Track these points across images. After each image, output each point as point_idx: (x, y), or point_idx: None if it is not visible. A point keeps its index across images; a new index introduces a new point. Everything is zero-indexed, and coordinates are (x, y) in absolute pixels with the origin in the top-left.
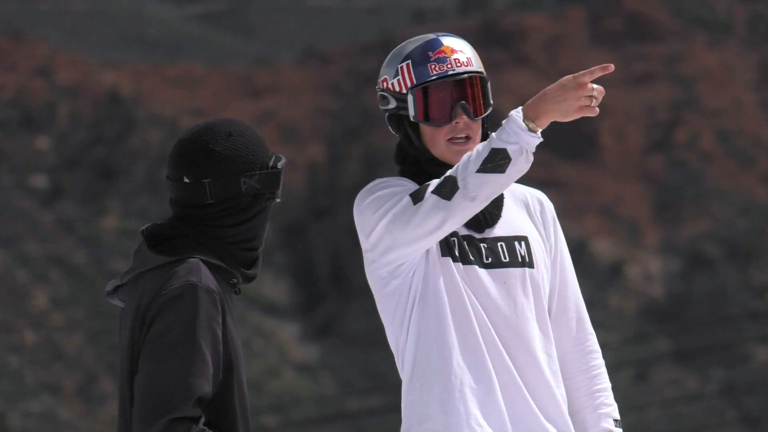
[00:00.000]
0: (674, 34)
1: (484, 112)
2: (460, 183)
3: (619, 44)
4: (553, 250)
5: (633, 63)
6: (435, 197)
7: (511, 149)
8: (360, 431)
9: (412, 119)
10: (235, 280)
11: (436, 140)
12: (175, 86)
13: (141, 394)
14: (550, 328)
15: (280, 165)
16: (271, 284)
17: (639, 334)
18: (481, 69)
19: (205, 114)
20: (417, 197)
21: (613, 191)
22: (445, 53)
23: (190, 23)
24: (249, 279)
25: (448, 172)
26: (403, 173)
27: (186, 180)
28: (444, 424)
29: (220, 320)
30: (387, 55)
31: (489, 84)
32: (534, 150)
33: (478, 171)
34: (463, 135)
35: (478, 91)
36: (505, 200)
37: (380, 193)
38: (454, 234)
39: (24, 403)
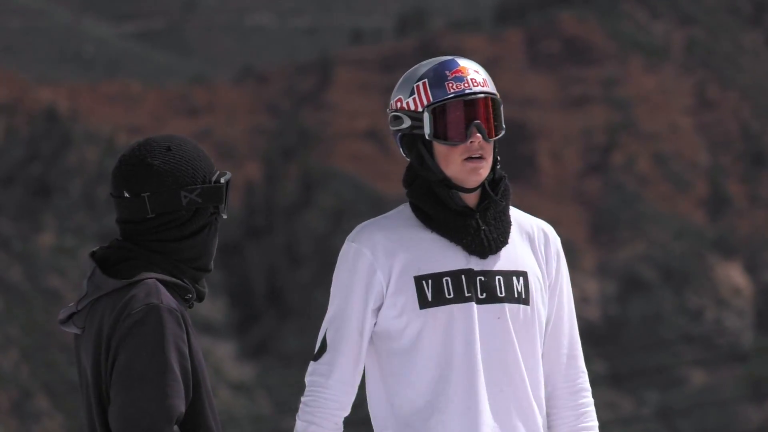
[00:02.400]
0: (611, 58)
1: (497, 135)
2: (326, 346)
3: (556, 67)
4: (552, 286)
5: (570, 86)
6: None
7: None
8: None
9: (427, 137)
10: (190, 296)
11: (451, 159)
12: (112, 104)
13: (121, 424)
14: (540, 369)
15: (223, 180)
16: (207, 303)
17: None
18: (495, 92)
19: (143, 132)
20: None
21: (550, 213)
22: (463, 73)
23: (127, 41)
24: (201, 296)
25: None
26: (411, 196)
27: (126, 195)
28: None
29: (185, 337)
30: (324, 75)
31: (502, 107)
32: None
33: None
34: (478, 154)
35: (492, 112)
36: (511, 231)
37: (332, 289)
38: (445, 273)
39: None
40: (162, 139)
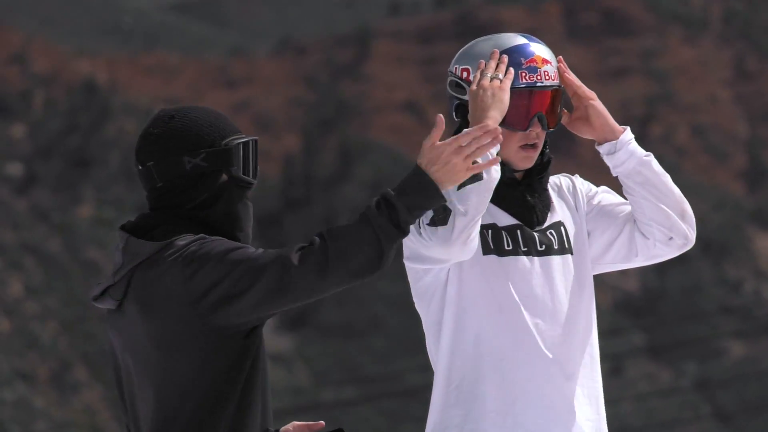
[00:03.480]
0: (650, 29)
1: (554, 126)
2: (449, 206)
3: (594, 39)
4: (593, 210)
5: (608, 57)
6: (437, 229)
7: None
8: (334, 422)
9: None
10: None
11: (508, 143)
12: (150, 75)
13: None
14: (590, 314)
15: (236, 142)
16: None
17: (614, 329)
18: (560, 82)
19: (181, 103)
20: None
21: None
22: (536, 63)
23: (166, 13)
24: None
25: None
26: None
27: (140, 167)
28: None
29: None
30: (362, 47)
31: (563, 96)
32: (497, 150)
33: (459, 189)
34: (533, 143)
35: (553, 104)
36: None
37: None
38: (502, 228)
39: None
40: (172, 109)
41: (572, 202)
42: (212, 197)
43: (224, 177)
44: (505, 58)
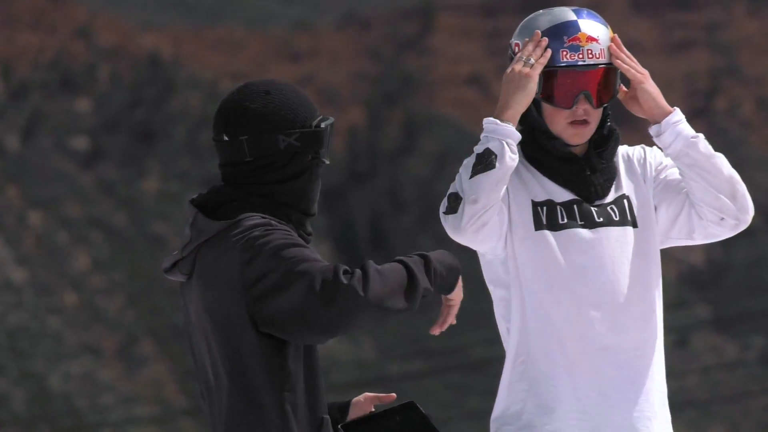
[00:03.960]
0: (714, 2)
1: (607, 101)
2: (461, 194)
3: (658, 12)
4: (659, 184)
5: (672, 31)
6: (447, 217)
7: (492, 146)
8: (401, 395)
9: (535, 96)
10: None
11: (556, 120)
12: (214, 49)
13: (290, 296)
14: (654, 287)
15: (323, 125)
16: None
17: (679, 301)
18: (610, 59)
19: (245, 77)
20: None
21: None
22: (580, 42)
23: None
24: (305, 242)
25: (450, 190)
26: (523, 133)
27: (225, 138)
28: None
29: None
30: (426, 21)
31: (618, 72)
32: (515, 140)
33: (471, 177)
34: (582, 119)
35: (603, 81)
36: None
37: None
38: (559, 203)
39: (64, 364)
40: (262, 83)
41: (641, 174)
42: (294, 176)
43: (309, 157)
44: (545, 41)
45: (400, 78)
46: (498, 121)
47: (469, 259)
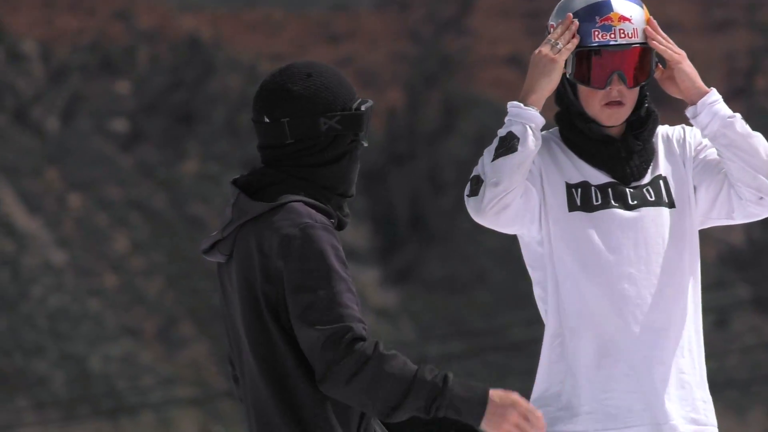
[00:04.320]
0: None
1: (642, 81)
2: (483, 177)
3: None
4: (699, 165)
5: (712, 9)
6: (469, 199)
7: (515, 129)
8: None
9: (568, 77)
10: (333, 221)
11: (590, 102)
12: (253, 31)
13: (317, 336)
14: (693, 268)
15: (363, 107)
16: (351, 229)
17: (719, 281)
18: (644, 39)
19: (285, 59)
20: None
21: None
22: (612, 21)
23: None
24: (341, 224)
25: (473, 173)
26: (558, 115)
27: (266, 120)
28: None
29: (342, 250)
30: (464, 1)
31: (653, 53)
32: (539, 124)
33: (493, 160)
34: (617, 100)
35: (637, 61)
36: (658, 147)
37: None
38: (594, 185)
39: (104, 346)
40: (303, 65)
41: (680, 155)
42: (335, 158)
43: (349, 139)
44: (575, 25)
45: (439, 59)
46: (521, 105)
47: (510, 242)
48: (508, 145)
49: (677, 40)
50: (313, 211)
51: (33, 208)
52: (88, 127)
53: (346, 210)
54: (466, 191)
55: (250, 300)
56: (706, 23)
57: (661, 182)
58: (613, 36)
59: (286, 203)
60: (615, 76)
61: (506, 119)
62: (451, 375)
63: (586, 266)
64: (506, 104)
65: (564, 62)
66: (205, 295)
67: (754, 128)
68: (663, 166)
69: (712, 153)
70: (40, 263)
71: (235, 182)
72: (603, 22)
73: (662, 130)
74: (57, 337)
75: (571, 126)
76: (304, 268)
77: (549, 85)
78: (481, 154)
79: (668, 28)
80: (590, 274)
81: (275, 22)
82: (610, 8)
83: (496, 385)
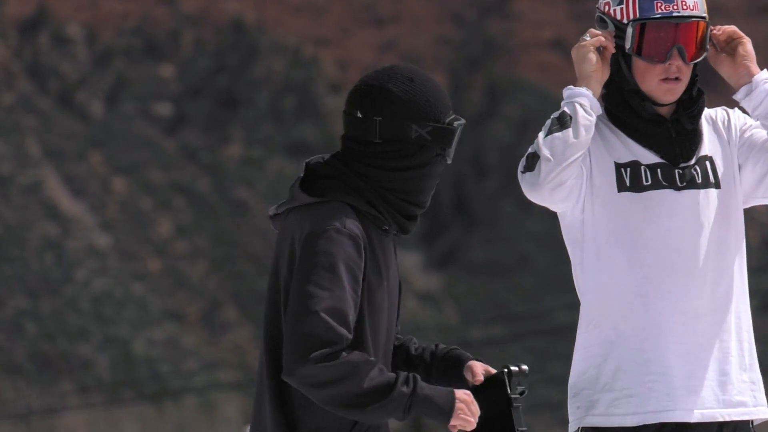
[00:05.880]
0: None
1: (699, 58)
2: (538, 153)
3: None
4: (744, 144)
5: None
6: (524, 175)
7: (568, 108)
8: (483, 360)
9: (627, 51)
10: (386, 228)
11: (648, 77)
12: (298, 14)
13: (287, 337)
14: (740, 249)
15: (456, 124)
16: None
17: (762, 265)
18: (705, 13)
19: (329, 43)
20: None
21: None
22: None
23: None
24: (404, 231)
25: (528, 151)
26: (607, 97)
27: (358, 114)
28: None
29: (362, 265)
30: None
31: (709, 29)
32: (590, 100)
33: (546, 136)
34: (675, 76)
35: (697, 36)
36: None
37: None
38: (644, 165)
39: (148, 330)
40: (407, 69)
41: (725, 136)
42: (415, 167)
43: (435, 152)
44: (610, 35)
45: (482, 42)
46: (573, 87)
47: (552, 226)
48: (562, 121)
49: (721, 23)
50: (351, 216)
51: (77, 192)
52: (132, 110)
53: (413, 215)
54: (520, 167)
55: (274, 286)
56: (750, 6)
57: (707, 163)
58: (676, 7)
59: (329, 201)
60: (675, 51)
61: (561, 103)
62: (419, 378)
63: (635, 248)
64: (550, 88)
65: (594, 47)
66: (249, 279)
67: None
68: (709, 146)
69: (758, 133)
70: (84, 247)
71: (308, 163)
72: None
73: (705, 111)
74: (101, 321)
75: (623, 104)
76: (311, 267)
77: (591, 68)
78: (524, 137)
79: (712, 10)
80: (638, 256)
81: (319, 5)
82: None
83: (538, 370)
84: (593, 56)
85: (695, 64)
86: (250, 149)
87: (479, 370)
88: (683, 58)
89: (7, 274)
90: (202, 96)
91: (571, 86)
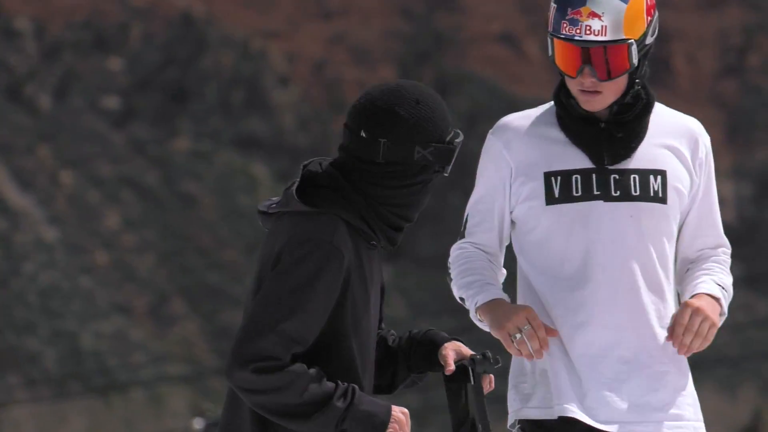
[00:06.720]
0: None
1: (618, 75)
2: (451, 285)
3: None
4: (698, 188)
5: None
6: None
7: (470, 306)
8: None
9: (549, 58)
10: (374, 243)
11: (570, 85)
12: (246, 7)
13: (243, 331)
14: (671, 266)
15: (456, 141)
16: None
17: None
18: (623, 35)
19: (278, 36)
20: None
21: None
22: (580, 16)
23: None
24: (393, 243)
25: (449, 262)
26: (555, 93)
27: (363, 134)
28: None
29: (341, 280)
30: None
31: (631, 47)
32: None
33: (456, 287)
34: (591, 90)
35: (604, 58)
36: (653, 133)
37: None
38: (574, 171)
39: (95, 323)
40: (413, 89)
41: (687, 151)
42: (414, 184)
43: (434, 169)
44: (544, 337)
45: (431, 36)
46: (476, 318)
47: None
48: (462, 300)
49: (671, 18)
50: (341, 231)
51: (25, 186)
52: (80, 104)
53: (396, 238)
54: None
55: (256, 285)
56: (699, 1)
57: (658, 176)
58: (578, 31)
59: (323, 213)
60: (586, 69)
61: (469, 304)
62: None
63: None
64: (498, 81)
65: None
66: (197, 272)
67: (747, 106)
68: (663, 159)
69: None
70: (32, 240)
71: (304, 167)
72: (572, 15)
73: (667, 115)
74: (48, 315)
75: (560, 101)
76: (289, 276)
77: (499, 334)
78: (473, 131)
79: (662, 5)
80: (561, 269)
81: None
82: (582, 2)
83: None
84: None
85: (632, 73)
86: (199, 142)
87: (450, 358)
88: (596, 76)
89: None
90: (150, 89)
91: (481, 302)
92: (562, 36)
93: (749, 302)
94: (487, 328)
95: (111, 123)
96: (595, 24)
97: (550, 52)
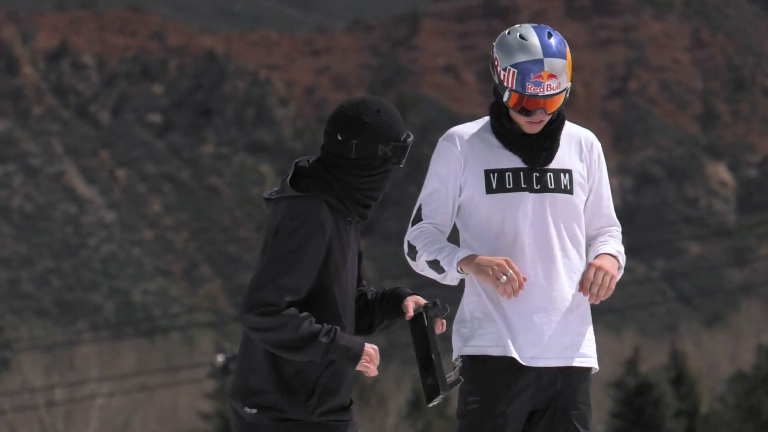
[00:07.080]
0: (629, 9)
1: (558, 110)
2: (415, 257)
3: (587, 17)
4: (594, 181)
5: (597, 31)
6: (408, 257)
7: (447, 273)
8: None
9: (504, 103)
10: (350, 219)
11: (518, 119)
12: (255, 47)
13: (251, 285)
14: (581, 241)
15: (408, 140)
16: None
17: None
18: (568, 83)
19: (279, 68)
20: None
21: (582, 126)
22: (543, 79)
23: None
24: (363, 217)
25: (410, 240)
26: (492, 110)
27: (338, 137)
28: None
29: (324, 250)
30: (413, 25)
31: (568, 89)
32: (457, 279)
33: (426, 262)
34: (538, 121)
35: (556, 100)
36: (562, 142)
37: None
38: (507, 169)
39: (143, 283)
40: (374, 102)
41: (585, 154)
42: (379, 174)
43: (393, 162)
44: (521, 282)
45: (393, 68)
46: (456, 270)
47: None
48: (437, 267)
49: (572, 54)
50: (324, 210)
51: (90, 180)
52: (131, 119)
53: (367, 214)
54: (405, 248)
55: (261, 252)
56: (592, 41)
57: (567, 174)
58: (541, 90)
59: (311, 196)
60: (539, 111)
61: (450, 260)
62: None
63: (495, 237)
64: (444, 102)
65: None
66: (219, 245)
67: (628, 119)
68: (569, 161)
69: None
70: (95, 221)
71: (297, 162)
72: (536, 79)
73: (571, 128)
74: (108, 276)
75: (501, 120)
76: (285, 244)
77: (486, 277)
78: (425, 139)
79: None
80: (497, 243)
81: (271, 40)
82: (541, 68)
83: (447, 317)
84: (492, 279)
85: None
86: (220, 148)
87: (411, 308)
88: (545, 113)
89: (37, 241)
90: (184, 108)
91: (460, 266)
92: (528, 94)
93: (631, 266)
94: (461, 277)
95: (154, 133)
96: (554, 83)
97: (506, 99)
